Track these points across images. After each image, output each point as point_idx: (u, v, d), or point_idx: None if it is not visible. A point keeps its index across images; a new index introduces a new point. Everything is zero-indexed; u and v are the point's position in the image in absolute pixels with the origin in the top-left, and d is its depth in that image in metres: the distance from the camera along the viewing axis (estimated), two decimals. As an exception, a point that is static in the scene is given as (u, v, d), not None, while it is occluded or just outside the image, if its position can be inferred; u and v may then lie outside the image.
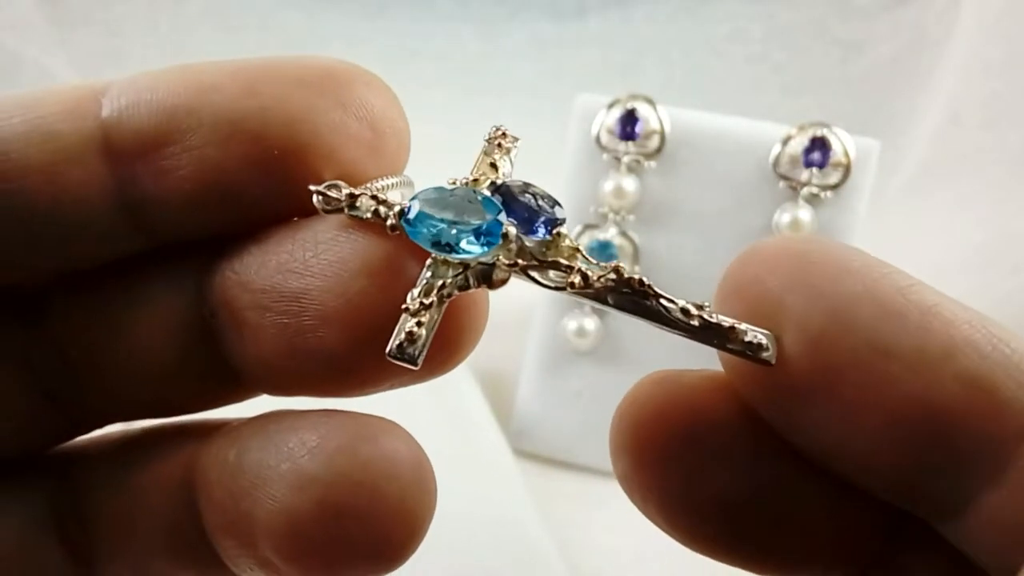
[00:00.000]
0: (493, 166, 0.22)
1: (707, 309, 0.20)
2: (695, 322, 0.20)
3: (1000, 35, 0.69)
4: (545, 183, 0.23)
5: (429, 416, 0.51)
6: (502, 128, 0.23)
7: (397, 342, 0.20)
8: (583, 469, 0.55)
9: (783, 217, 0.51)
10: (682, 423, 0.21)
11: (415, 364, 0.20)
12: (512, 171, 0.23)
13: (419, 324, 0.20)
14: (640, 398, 0.21)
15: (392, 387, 0.22)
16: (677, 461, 0.21)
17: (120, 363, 0.23)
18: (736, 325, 0.19)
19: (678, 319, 0.20)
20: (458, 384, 0.55)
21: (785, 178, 0.51)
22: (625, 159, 0.53)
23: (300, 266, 0.21)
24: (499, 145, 0.23)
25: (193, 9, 0.79)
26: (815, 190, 0.51)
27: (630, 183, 0.53)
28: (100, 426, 0.25)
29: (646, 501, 0.21)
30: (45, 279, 0.23)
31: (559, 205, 0.21)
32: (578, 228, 0.54)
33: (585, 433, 0.55)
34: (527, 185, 0.22)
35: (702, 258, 0.53)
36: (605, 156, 0.53)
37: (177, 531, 0.23)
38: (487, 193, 0.21)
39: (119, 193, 0.21)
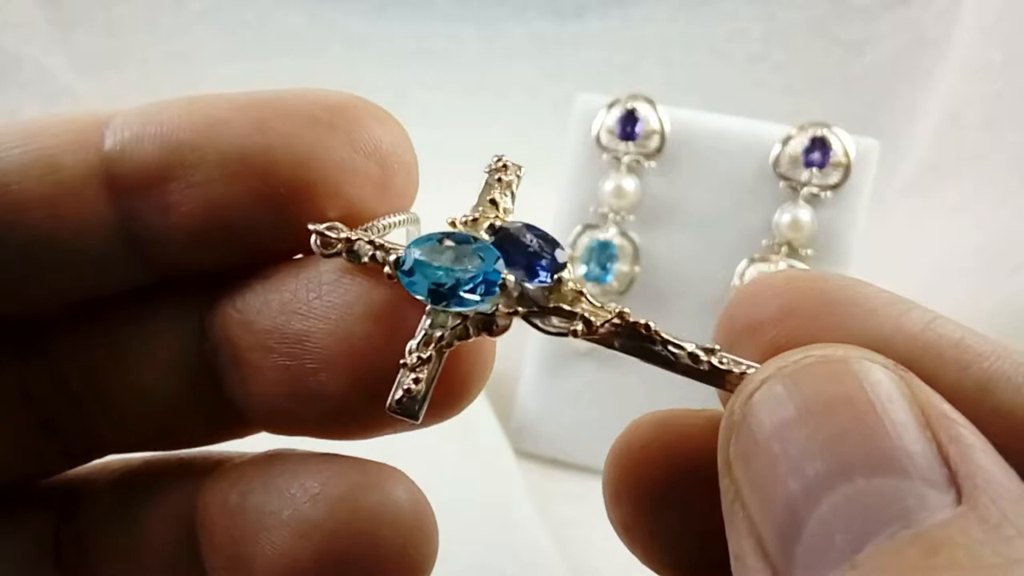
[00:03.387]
0: (493, 203, 0.22)
1: (718, 353, 0.19)
2: (704, 367, 0.19)
3: (1000, 35, 0.69)
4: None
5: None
6: (503, 158, 0.23)
7: (396, 397, 0.20)
8: (583, 469, 0.55)
9: (783, 217, 0.51)
10: (688, 468, 0.20)
11: (415, 419, 0.20)
12: (514, 205, 0.22)
13: (416, 381, 0.20)
14: (637, 442, 0.21)
15: (394, 432, 0.22)
16: (686, 510, 0.20)
17: (121, 396, 0.23)
18: (747, 371, 0.19)
19: (687, 365, 0.19)
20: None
21: (785, 178, 0.51)
22: (625, 159, 0.53)
23: (303, 307, 0.21)
24: (499, 180, 0.22)
25: (193, 9, 0.79)
26: (815, 190, 0.51)
27: (630, 183, 0.53)
28: (100, 456, 0.25)
29: (649, 553, 0.21)
30: (46, 310, 0.23)
31: (560, 247, 0.21)
32: (578, 228, 0.54)
33: (585, 433, 0.55)
34: (527, 227, 0.21)
35: (702, 258, 0.53)
36: (605, 156, 0.53)
37: (177, 567, 0.23)
38: (485, 237, 0.21)
39: (121, 227, 0.21)
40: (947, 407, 0.16)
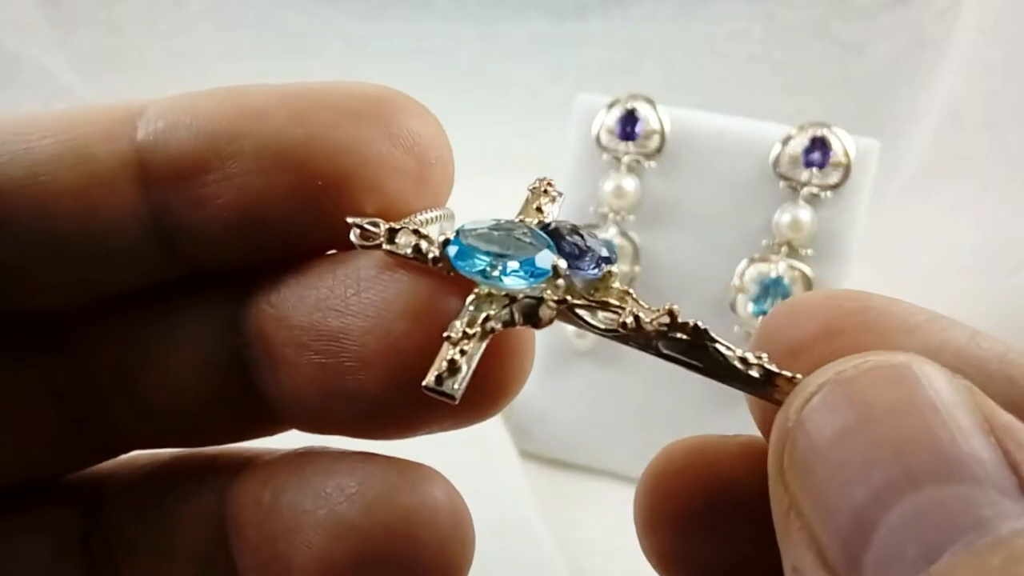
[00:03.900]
0: (539, 210, 0.22)
1: (765, 359, 0.18)
2: (754, 372, 0.18)
3: (1000, 35, 0.69)
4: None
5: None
6: (547, 179, 0.23)
7: (436, 373, 0.19)
8: (584, 469, 0.55)
9: (783, 217, 0.51)
10: (723, 494, 0.20)
11: (453, 398, 0.19)
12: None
13: (462, 352, 0.19)
14: (670, 469, 0.20)
15: (429, 433, 0.21)
16: (721, 537, 0.20)
17: (150, 392, 0.22)
18: (797, 377, 0.18)
19: (735, 368, 0.19)
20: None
21: (785, 178, 0.51)
22: (625, 159, 0.53)
23: (341, 304, 0.20)
24: (545, 192, 0.22)
25: (193, 9, 0.79)
26: (815, 190, 0.51)
27: (630, 183, 0.53)
28: (127, 451, 0.24)
29: None
30: (75, 304, 0.22)
31: (609, 245, 0.21)
32: (578, 228, 0.54)
33: (586, 433, 0.55)
34: (576, 226, 0.21)
35: (702, 258, 0.53)
36: (605, 156, 0.54)
37: (208, 566, 0.22)
38: (535, 228, 0.21)
39: (153, 220, 0.21)
40: (1009, 415, 0.16)
